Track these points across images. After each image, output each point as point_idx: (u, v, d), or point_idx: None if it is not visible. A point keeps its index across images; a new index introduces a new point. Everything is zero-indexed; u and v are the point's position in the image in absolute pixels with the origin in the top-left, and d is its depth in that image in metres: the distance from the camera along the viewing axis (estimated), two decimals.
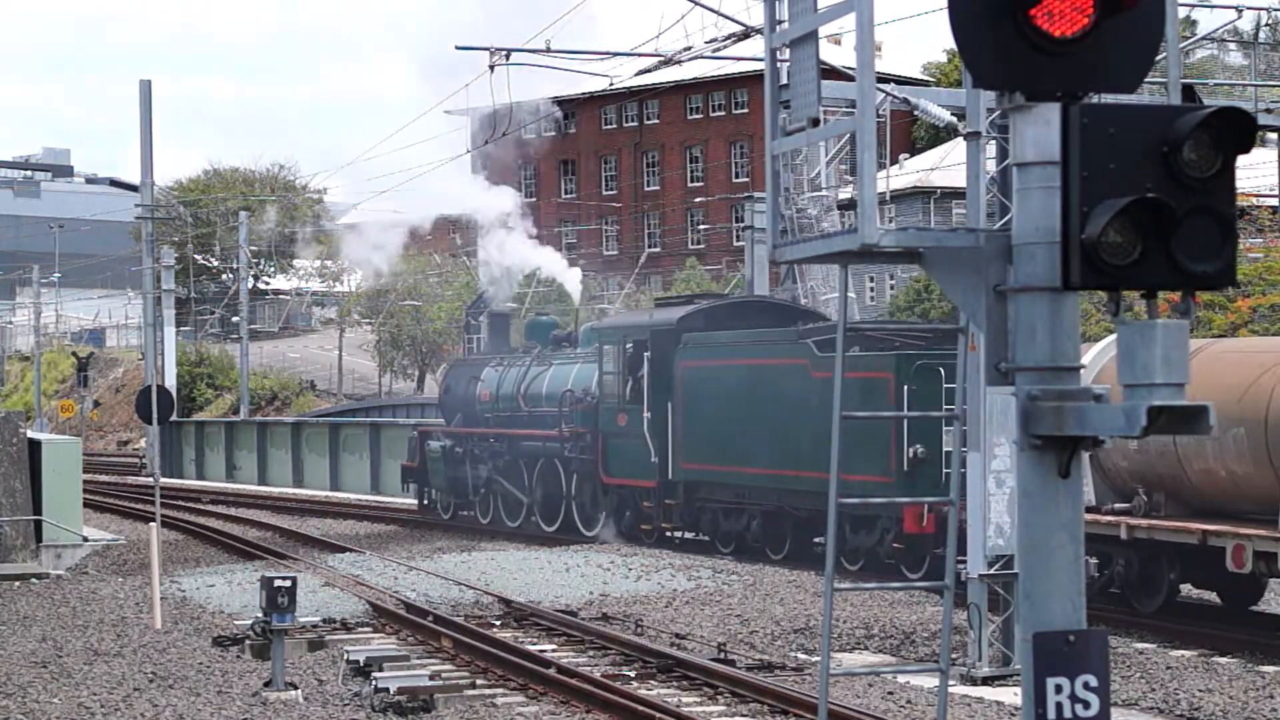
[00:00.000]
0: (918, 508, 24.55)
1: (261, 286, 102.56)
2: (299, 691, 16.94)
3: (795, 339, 28.24)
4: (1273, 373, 19.43)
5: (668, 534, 31.79)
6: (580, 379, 33.74)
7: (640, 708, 15.76)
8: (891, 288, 73.16)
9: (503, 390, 36.33)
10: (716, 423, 29.60)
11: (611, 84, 46.34)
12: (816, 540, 28.13)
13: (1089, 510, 21.25)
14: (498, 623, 21.97)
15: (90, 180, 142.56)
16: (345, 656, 18.85)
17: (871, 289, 75.31)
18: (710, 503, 30.34)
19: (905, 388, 25.29)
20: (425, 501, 39.94)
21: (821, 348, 27.12)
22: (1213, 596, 22.84)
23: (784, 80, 7.13)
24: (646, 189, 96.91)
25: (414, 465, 39.85)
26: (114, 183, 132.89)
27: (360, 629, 21.59)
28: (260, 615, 17.47)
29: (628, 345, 31.87)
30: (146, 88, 55.56)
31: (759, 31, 29.40)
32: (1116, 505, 21.81)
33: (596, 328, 34.79)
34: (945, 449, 25.07)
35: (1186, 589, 22.35)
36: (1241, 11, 30.96)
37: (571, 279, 40.97)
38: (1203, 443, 20.09)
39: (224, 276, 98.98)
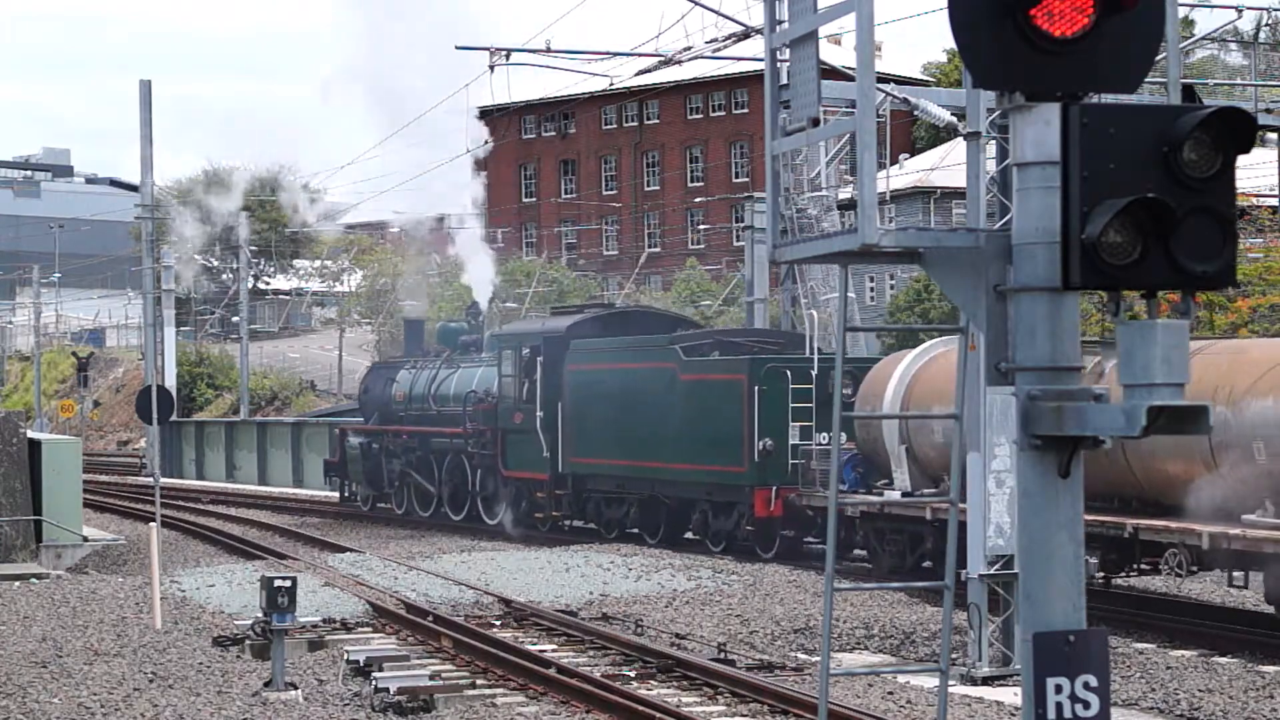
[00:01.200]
0: (766, 493, 28.31)
1: (262, 286, 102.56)
2: (299, 691, 16.94)
3: (665, 345, 31.61)
4: None
5: (561, 523, 34.66)
6: (483, 381, 36.56)
7: (640, 708, 15.76)
8: (891, 288, 73.17)
9: (415, 391, 39.22)
10: (599, 421, 32.76)
11: (611, 84, 46.39)
12: (690, 534, 31.51)
13: (904, 495, 25.36)
14: (498, 623, 21.97)
15: (90, 180, 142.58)
16: (345, 656, 18.86)
17: (871, 289, 75.30)
18: (595, 493, 33.55)
19: (756, 388, 28.83)
20: (345, 494, 43.00)
21: (687, 353, 30.79)
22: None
23: (784, 80, 7.13)
24: (646, 189, 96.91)
25: (335, 461, 43.24)
26: (114, 183, 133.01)
27: (360, 629, 21.59)
28: (260, 615, 17.48)
29: (524, 350, 34.88)
30: (146, 88, 55.57)
31: (759, 31, 29.40)
32: (926, 490, 25.10)
33: (497, 334, 37.80)
34: (791, 442, 28.54)
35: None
36: (1241, 11, 30.99)
37: (484, 289, 43.75)
38: None
39: (224, 276, 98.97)
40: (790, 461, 28.42)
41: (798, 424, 28.79)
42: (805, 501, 27.86)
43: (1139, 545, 21.09)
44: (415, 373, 39.66)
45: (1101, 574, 22.11)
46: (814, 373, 28.84)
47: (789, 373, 28.88)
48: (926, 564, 24.68)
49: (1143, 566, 21.95)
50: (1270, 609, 20.31)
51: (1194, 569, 20.72)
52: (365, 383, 43.36)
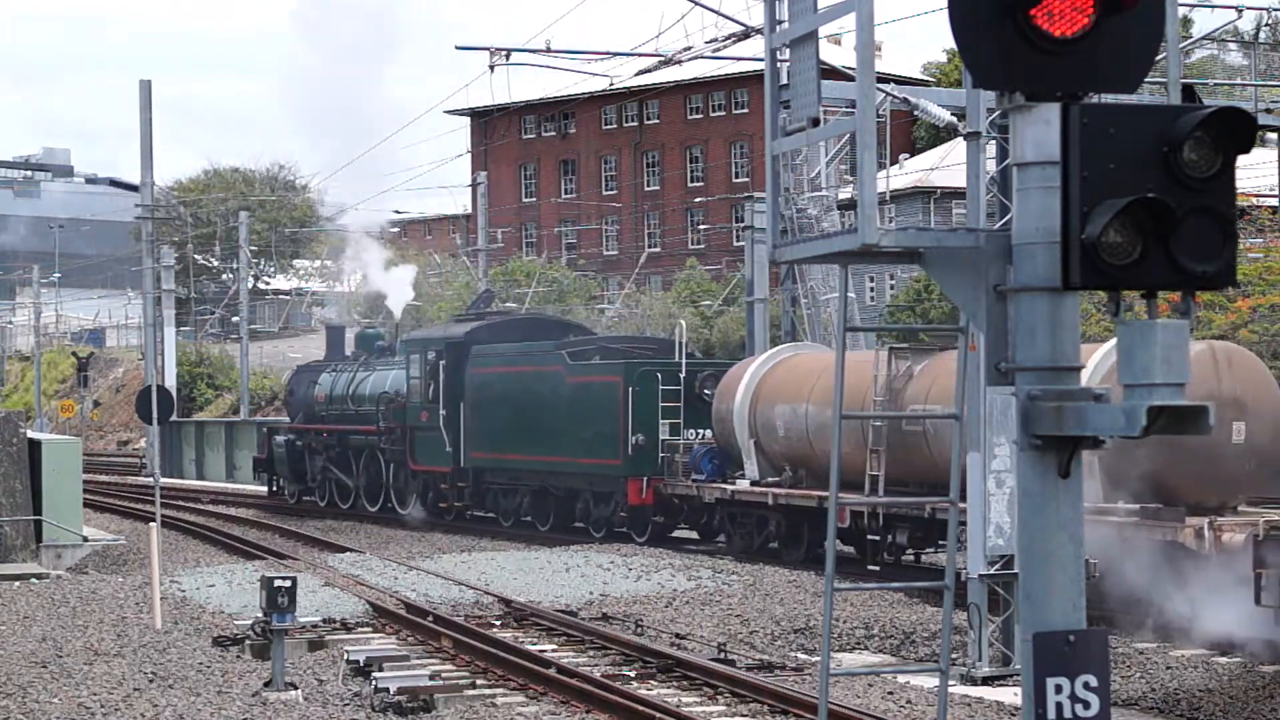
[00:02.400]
0: (638, 483, 31.74)
1: (262, 286, 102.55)
2: (299, 691, 16.94)
3: (553, 350, 34.81)
4: (863, 377, 26.12)
5: (463, 513, 37.35)
6: (395, 382, 39.55)
7: (640, 708, 15.76)
8: (891, 288, 73.16)
9: (335, 392, 42.35)
10: (496, 419, 35.84)
11: (611, 84, 46.40)
12: (579, 524, 34.06)
13: (752, 484, 29.09)
14: (498, 623, 21.97)
15: (90, 180, 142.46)
16: (345, 656, 18.86)
17: (871, 289, 75.29)
18: (493, 485, 36.67)
19: (630, 389, 32.17)
20: (273, 489, 45.98)
21: (572, 357, 34.16)
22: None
23: (784, 80, 7.13)
24: (646, 189, 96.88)
25: (263, 458, 46.32)
26: (114, 183, 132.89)
27: (360, 629, 21.59)
28: (260, 615, 17.48)
29: (429, 354, 37.88)
30: (146, 88, 55.54)
31: (759, 31, 29.40)
32: (769, 479, 28.82)
33: (406, 339, 40.67)
34: (660, 438, 31.86)
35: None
36: (1241, 11, 30.98)
37: (399, 302, 48.00)
38: (824, 430, 27.43)
39: (224, 276, 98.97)
40: (660, 455, 31.82)
41: (667, 421, 32.07)
42: (670, 490, 31.35)
43: (936, 524, 25.13)
44: (335, 375, 42.75)
45: (911, 550, 26.77)
46: (682, 375, 32.34)
47: (660, 375, 32.26)
48: (773, 545, 28.79)
49: (941, 544, 25.74)
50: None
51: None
52: (290, 384, 46.68)
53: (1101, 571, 19.53)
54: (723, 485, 29.83)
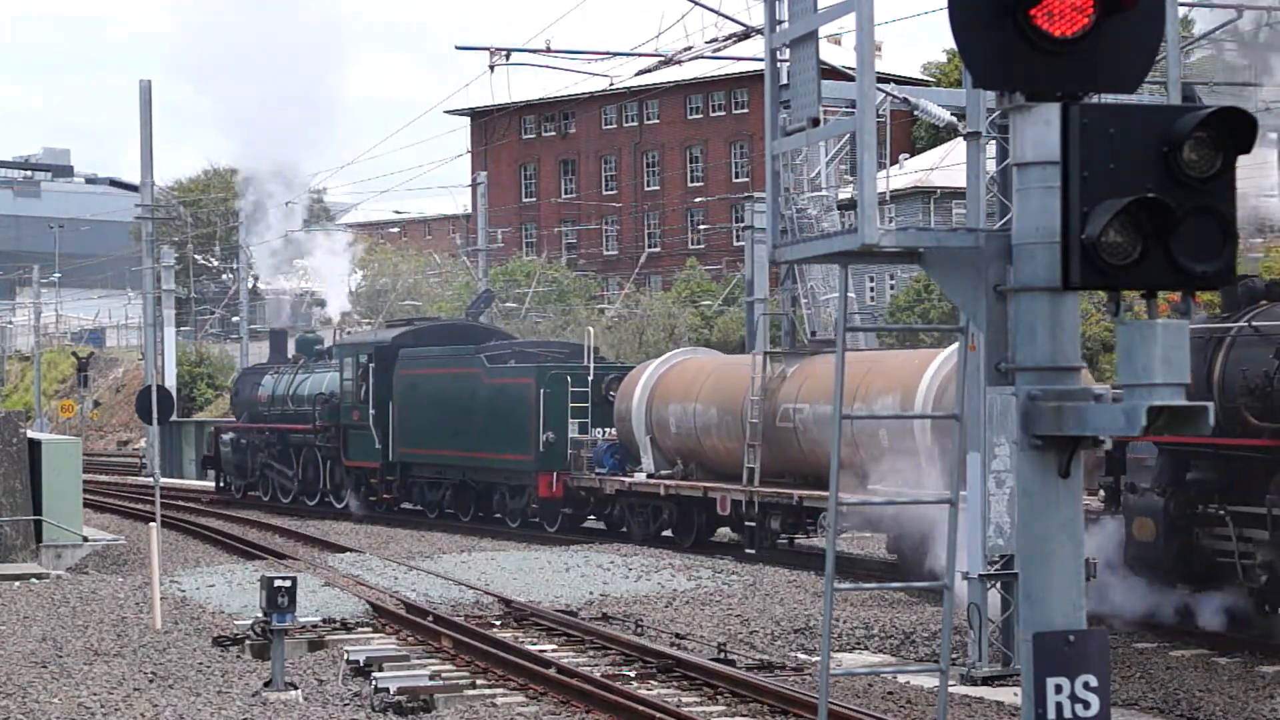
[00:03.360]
0: (548, 477, 34.29)
1: (262, 287, 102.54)
2: (299, 691, 16.94)
3: (473, 354, 37.59)
4: (743, 379, 29.63)
5: (392, 506, 39.87)
6: (331, 384, 42.27)
7: (640, 708, 15.76)
8: (891, 288, 73.15)
9: (277, 393, 45.04)
10: (421, 418, 38.56)
11: (611, 84, 46.37)
12: (510, 519, 36.26)
13: (648, 477, 32.01)
14: (498, 623, 21.97)
15: (90, 180, 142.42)
16: (345, 656, 18.86)
17: (871, 289, 75.29)
18: (419, 479, 39.26)
19: (542, 391, 34.75)
20: (220, 484, 48.30)
21: (490, 361, 37.00)
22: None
23: (784, 80, 7.13)
24: (646, 189, 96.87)
25: (210, 455, 49.15)
26: (114, 183, 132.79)
27: (360, 629, 21.59)
28: (260, 615, 17.48)
29: (361, 357, 40.62)
30: (146, 88, 55.50)
31: (759, 31, 29.39)
32: (664, 472, 31.98)
33: (339, 344, 43.82)
34: (569, 435, 34.36)
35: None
36: (1241, 11, 30.96)
37: (336, 310, 52.54)
38: (709, 427, 30.67)
39: (224, 276, 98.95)
40: (568, 451, 34.21)
41: (575, 420, 34.61)
42: (575, 484, 34.02)
43: (804, 511, 28.22)
44: (277, 377, 45.50)
45: (784, 536, 29.49)
46: (590, 378, 34.90)
47: (569, 378, 34.90)
48: (666, 532, 31.79)
49: (809, 528, 28.91)
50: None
51: (848, 528, 28.32)
52: (236, 386, 49.93)
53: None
54: (622, 478, 32.71)
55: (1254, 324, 19.50)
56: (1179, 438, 17.82)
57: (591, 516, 35.21)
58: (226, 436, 47.29)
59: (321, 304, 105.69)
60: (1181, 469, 20.38)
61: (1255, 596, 19.47)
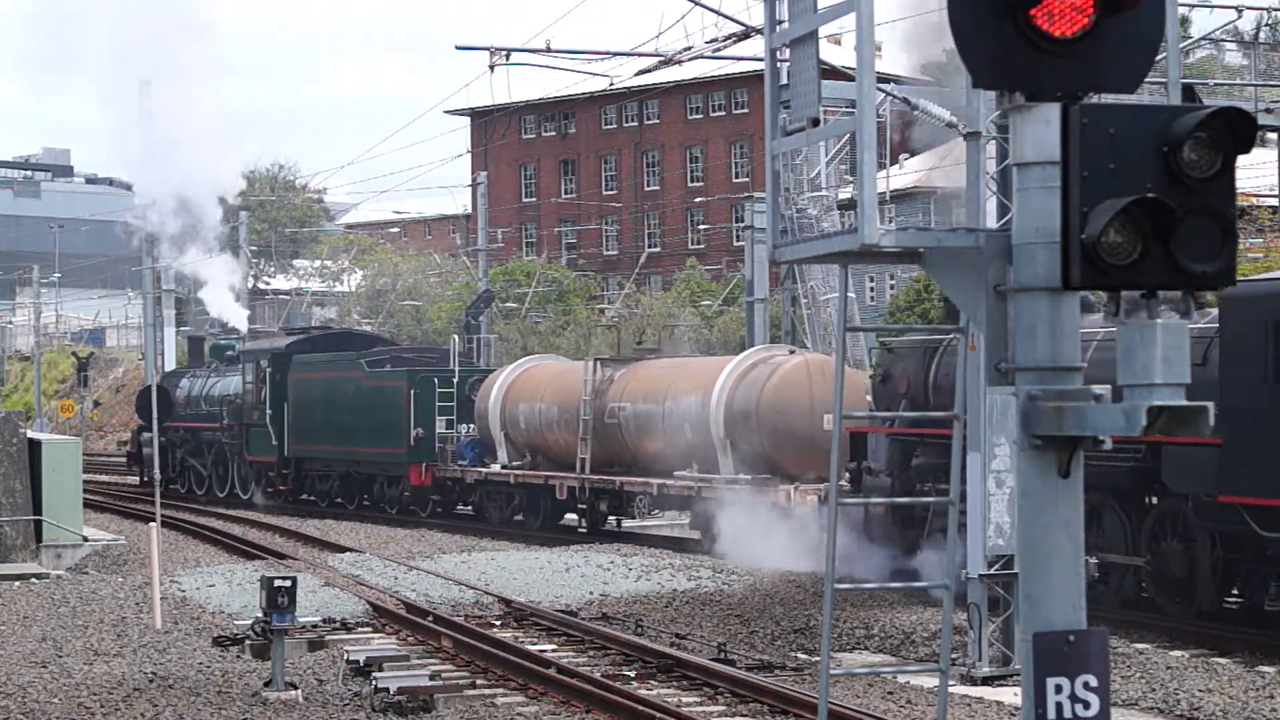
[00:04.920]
0: (418, 468, 38.93)
1: (262, 286, 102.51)
2: (299, 691, 16.94)
3: (355, 359, 42.58)
4: (580, 382, 34.30)
5: (288, 497, 43.56)
6: (236, 387, 46.63)
7: (640, 708, 15.76)
8: (891, 288, 73.15)
9: (192, 395, 49.67)
10: (312, 417, 42.87)
11: (611, 84, 46.38)
12: (384, 505, 40.98)
13: (502, 468, 36.94)
14: (498, 623, 21.97)
15: (90, 180, 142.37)
16: (345, 656, 18.85)
17: (871, 289, 75.28)
18: (311, 472, 43.89)
19: (412, 392, 39.44)
20: (143, 479, 50.10)
21: (369, 365, 41.81)
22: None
23: (784, 80, 7.13)
24: (646, 189, 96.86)
25: (134, 452, 52.68)
26: (114, 183, 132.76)
27: (360, 629, 21.59)
28: (260, 615, 17.47)
29: (260, 363, 44.94)
30: (147, 88, 55.49)
31: (759, 31, 29.36)
32: (515, 463, 36.74)
33: (242, 350, 47.98)
34: (436, 431, 38.87)
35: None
36: (1241, 11, 30.96)
37: (242, 323, 56.88)
38: (551, 424, 35.29)
39: None
40: (436, 445, 38.91)
41: (442, 418, 39.13)
42: (442, 474, 38.76)
43: (625, 495, 33.25)
44: (192, 380, 50.26)
45: (615, 517, 35.00)
46: (455, 380, 39.44)
47: (436, 380, 39.58)
48: (518, 517, 36.63)
49: (633, 510, 33.89)
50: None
51: (654, 510, 34.04)
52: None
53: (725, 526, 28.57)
54: (480, 469, 37.59)
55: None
56: (905, 429, 24.99)
57: (462, 504, 39.73)
58: (147, 435, 49.52)
59: (321, 304, 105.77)
60: (907, 455, 24.97)
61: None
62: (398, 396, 39.76)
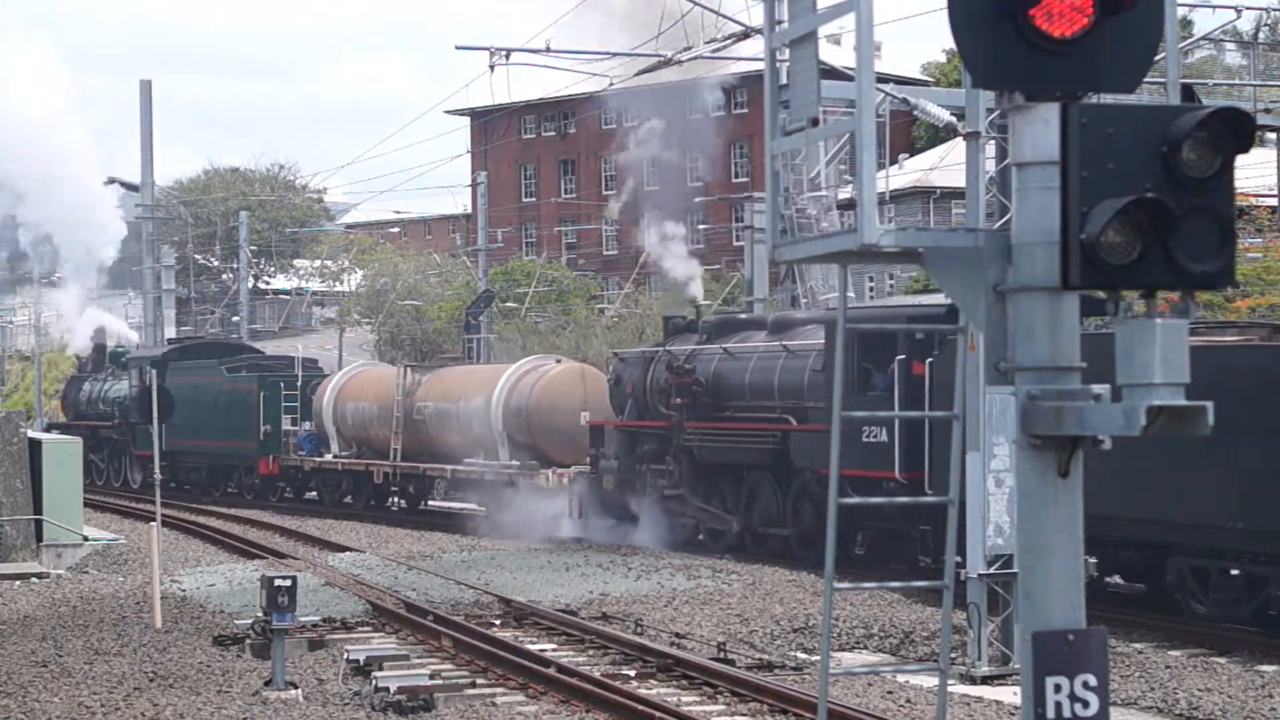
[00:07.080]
0: (266, 459, 45.21)
1: (262, 286, 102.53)
2: (299, 691, 16.94)
3: (217, 365, 49.01)
4: (394, 384, 40.92)
5: (168, 484, 46.06)
6: (125, 389, 51.96)
7: (640, 707, 15.77)
8: (891, 288, 73.13)
9: (92, 395, 55.61)
10: (184, 415, 46.56)
11: (611, 84, 46.36)
12: (241, 491, 47.17)
13: (333, 457, 43.28)
14: (498, 622, 21.97)
15: None
16: (345, 656, 18.86)
17: (871, 289, 75.27)
18: (185, 464, 50.25)
19: (262, 393, 45.93)
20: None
21: (228, 371, 48.32)
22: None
23: (784, 80, 7.13)
24: (647, 189, 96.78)
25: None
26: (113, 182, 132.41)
27: (360, 628, 21.59)
28: (260, 615, 17.48)
29: (144, 368, 48.83)
30: (146, 88, 55.56)
31: (759, 31, 29.39)
32: (345, 454, 42.96)
33: (129, 357, 53.94)
34: (282, 427, 45.27)
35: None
36: (1241, 12, 30.98)
37: (131, 339, 60.20)
38: (372, 420, 41.44)
39: (224, 276, 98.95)
40: (281, 440, 45.21)
41: (287, 415, 45.35)
42: (286, 464, 44.93)
43: (427, 479, 40.57)
44: (94, 383, 55.78)
45: (421, 498, 41.75)
46: (299, 383, 45.68)
47: (283, 383, 46.02)
48: (347, 499, 43.34)
49: (435, 492, 41.32)
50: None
51: (455, 492, 40.64)
52: (65, 389, 59.90)
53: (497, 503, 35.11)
54: (315, 459, 43.90)
55: (669, 349, 31.58)
56: (628, 422, 32.25)
57: (310, 489, 45.65)
58: (55, 432, 53.76)
59: (321, 304, 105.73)
60: (631, 442, 32.11)
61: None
62: (250, 397, 46.33)
